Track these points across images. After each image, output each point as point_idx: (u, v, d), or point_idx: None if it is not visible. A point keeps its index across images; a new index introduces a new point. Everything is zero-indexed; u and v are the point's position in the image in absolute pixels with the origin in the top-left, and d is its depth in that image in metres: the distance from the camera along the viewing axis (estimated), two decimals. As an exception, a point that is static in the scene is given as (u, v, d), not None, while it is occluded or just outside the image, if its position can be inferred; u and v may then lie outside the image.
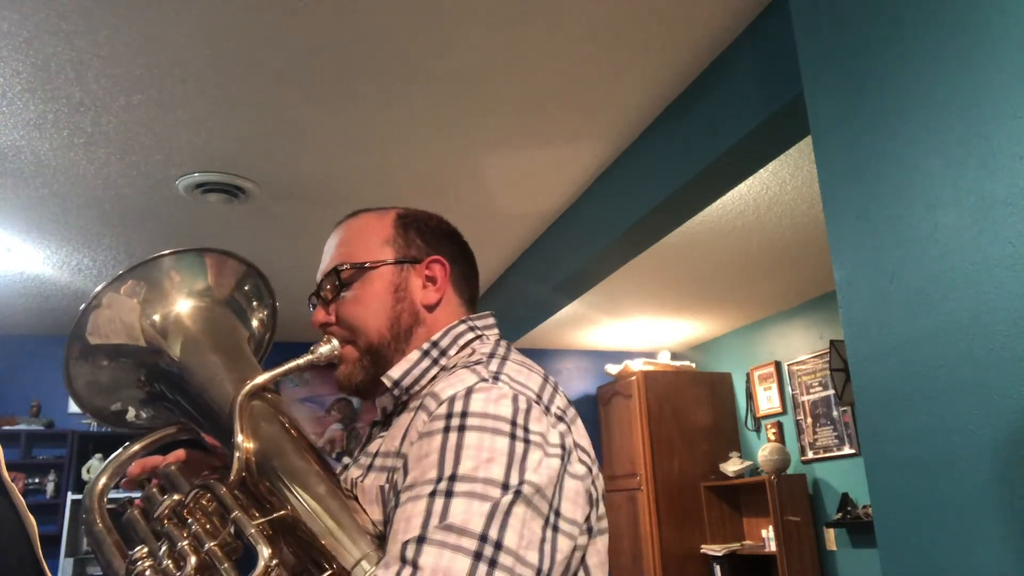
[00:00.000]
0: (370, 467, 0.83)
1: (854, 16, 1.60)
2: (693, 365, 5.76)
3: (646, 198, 2.78)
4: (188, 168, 2.91)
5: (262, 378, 0.84)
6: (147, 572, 0.78)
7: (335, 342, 0.90)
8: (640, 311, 5.08)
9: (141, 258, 0.91)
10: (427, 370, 0.88)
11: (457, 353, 0.89)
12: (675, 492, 5.11)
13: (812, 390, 4.83)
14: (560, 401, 0.82)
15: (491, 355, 0.84)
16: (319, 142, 2.76)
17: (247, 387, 0.82)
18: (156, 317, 0.91)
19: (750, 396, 5.40)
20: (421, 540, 0.67)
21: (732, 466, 5.11)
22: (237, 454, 0.78)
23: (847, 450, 4.54)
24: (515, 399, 0.75)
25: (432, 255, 0.93)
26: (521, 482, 0.70)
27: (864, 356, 1.50)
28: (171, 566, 0.77)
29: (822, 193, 1.64)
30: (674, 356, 5.99)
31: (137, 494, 0.90)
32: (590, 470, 0.80)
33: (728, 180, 2.57)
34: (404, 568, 0.66)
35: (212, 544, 0.75)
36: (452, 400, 0.75)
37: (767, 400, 5.23)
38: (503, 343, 0.90)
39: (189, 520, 0.79)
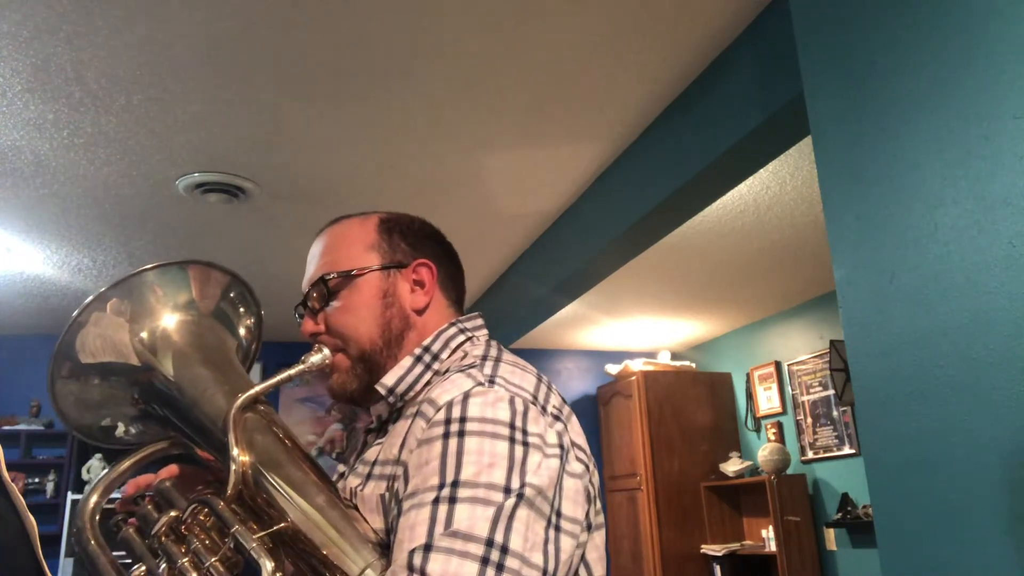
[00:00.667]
0: (369, 475, 0.83)
1: (854, 16, 1.60)
2: (693, 365, 5.76)
3: (646, 198, 2.78)
4: (188, 168, 2.91)
5: (254, 390, 0.83)
6: None
7: (326, 351, 0.90)
8: (640, 311, 5.08)
9: (141, 259, 0.91)
10: (420, 375, 0.88)
11: (449, 356, 0.89)
12: (675, 492, 5.11)
13: (812, 390, 4.83)
14: (555, 399, 0.82)
15: (484, 357, 0.84)
16: (319, 142, 2.76)
17: (239, 400, 0.81)
18: (144, 334, 0.90)
19: (750, 396, 5.40)
20: (428, 548, 0.67)
21: (732, 466, 5.11)
22: (233, 467, 0.78)
23: (847, 450, 4.54)
24: (512, 401, 0.76)
25: (418, 258, 0.93)
26: (523, 485, 0.71)
27: (864, 356, 1.50)
28: None
29: (822, 193, 1.64)
30: (674, 356, 5.99)
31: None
32: (587, 467, 0.80)
33: (728, 180, 2.57)
34: None
35: (213, 560, 0.75)
36: (450, 406, 0.75)
37: (767, 400, 5.23)
38: (494, 344, 0.90)
39: (188, 536, 0.79)
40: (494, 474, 0.70)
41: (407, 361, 0.89)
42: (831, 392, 4.62)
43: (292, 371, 0.87)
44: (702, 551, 5.01)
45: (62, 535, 4.54)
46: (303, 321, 0.93)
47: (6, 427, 4.71)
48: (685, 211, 2.83)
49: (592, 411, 5.83)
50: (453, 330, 0.92)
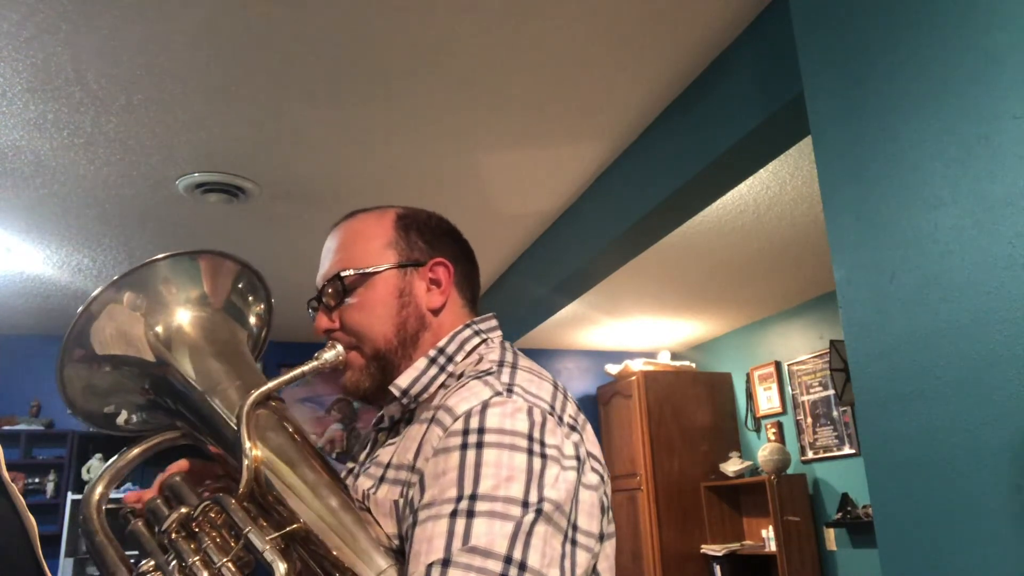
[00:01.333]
0: (382, 479, 0.82)
1: (854, 16, 1.60)
2: (693, 365, 5.76)
3: (646, 198, 2.78)
4: (188, 168, 2.91)
5: (267, 386, 0.82)
6: None
7: (339, 348, 0.89)
8: (640, 311, 5.08)
9: (141, 259, 0.90)
10: (435, 377, 0.86)
11: (464, 359, 0.88)
12: (675, 492, 5.11)
13: (812, 390, 4.83)
14: (571, 409, 0.81)
15: (500, 363, 0.83)
16: (319, 142, 2.76)
17: (253, 396, 0.80)
18: (157, 325, 0.89)
19: (750, 396, 5.40)
20: (446, 563, 0.67)
21: (732, 466, 5.11)
22: (246, 462, 0.77)
23: (847, 450, 4.54)
24: (530, 412, 0.75)
25: (435, 257, 0.92)
26: (541, 499, 0.70)
27: (864, 356, 1.50)
28: None
29: (822, 193, 1.64)
30: (674, 356, 5.99)
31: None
32: (602, 478, 0.80)
33: (728, 180, 2.57)
34: None
35: (225, 560, 0.74)
36: (468, 415, 0.74)
37: (767, 400, 5.23)
38: (509, 348, 0.89)
39: (199, 533, 0.78)
40: (512, 488, 0.70)
41: (421, 363, 0.87)
42: (831, 392, 4.62)
43: (306, 367, 0.86)
44: (702, 551, 5.01)
45: (62, 535, 4.54)
46: (317, 317, 0.92)
47: (6, 427, 4.71)
48: (685, 211, 2.83)
49: (592, 411, 5.83)
50: (468, 332, 0.90)
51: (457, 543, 0.67)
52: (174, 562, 0.77)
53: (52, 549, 4.48)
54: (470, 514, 0.68)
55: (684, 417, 5.33)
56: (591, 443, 0.81)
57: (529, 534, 0.68)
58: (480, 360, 0.86)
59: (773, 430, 5.09)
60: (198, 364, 0.88)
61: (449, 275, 0.92)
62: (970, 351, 1.27)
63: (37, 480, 4.77)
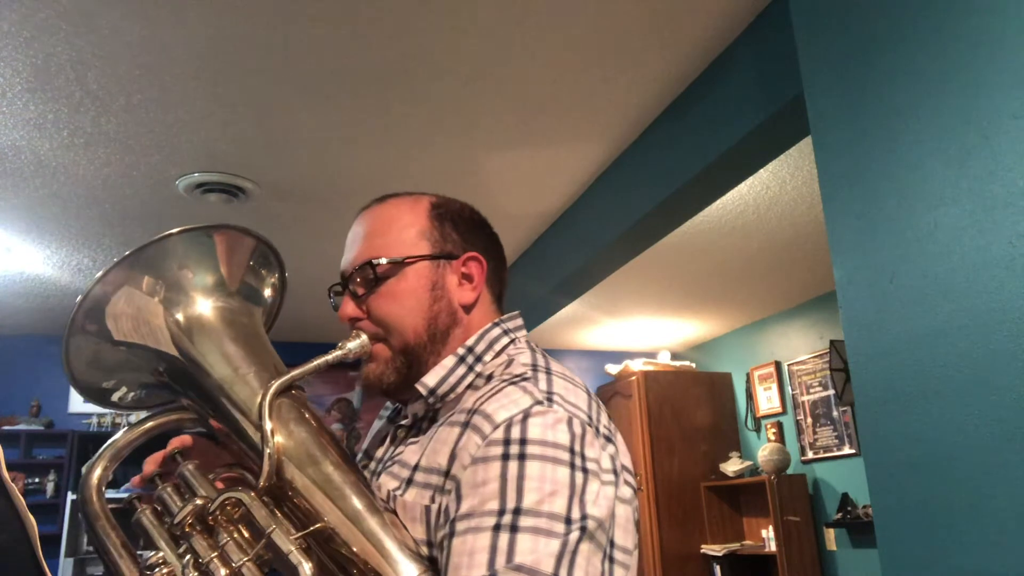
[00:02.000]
0: (410, 481, 0.78)
1: (854, 16, 1.60)
2: (693, 365, 5.76)
3: (646, 198, 2.78)
4: (188, 168, 2.91)
5: (290, 375, 0.78)
6: None
7: (364, 337, 0.85)
8: (640, 311, 5.08)
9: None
10: (463, 377, 0.84)
11: (493, 359, 0.85)
12: (675, 492, 5.11)
13: (812, 390, 4.83)
14: (604, 418, 0.79)
15: (534, 367, 0.80)
16: (319, 142, 2.76)
17: (275, 385, 0.77)
18: (174, 307, 0.84)
19: (750, 396, 5.40)
20: None
21: (732, 466, 5.11)
22: (268, 452, 0.74)
23: (847, 450, 4.54)
24: (571, 423, 0.73)
25: (468, 250, 0.89)
26: (584, 516, 0.69)
27: (864, 356, 1.50)
28: None
29: (822, 193, 1.64)
30: (674, 356, 5.99)
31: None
32: (634, 491, 0.79)
33: (728, 180, 2.57)
34: None
35: (246, 559, 0.71)
36: (509, 425, 0.72)
37: (767, 400, 5.23)
38: (538, 350, 0.87)
39: (215, 528, 0.74)
40: (556, 503, 0.68)
41: (449, 361, 0.84)
42: (831, 392, 4.62)
43: (329, 356, 0.82)
44: (702, 551, 5.01)
45: (62, 535, 4.54)
46: (342, 303, 0.88)
47: (6, 427, 4.71)
48: (685, 211, 2.83)
49: (592, 411, 5.82)
50: (497, 331, 0.87)
51: (501, 559, 0.65)
52: (188, 557, 0.74)
53: (52, 549, 4.48)
54: (514, 529, 0.66)
55: (684, 417, 5.33)
56: (623, 453, 0.79)
57: (574, 553, 0.67)
58: (511, 362, 0.83)
59: (773, 430, 5.09)
60: (218, 349, 0.84)
61: (482, 270, 0.89)
62: (970, 351, 1.27)
63: (37, 480, 4.77)
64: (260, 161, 2.88)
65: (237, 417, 0.80)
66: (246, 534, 0.75)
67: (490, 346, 0.86)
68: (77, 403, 5.01)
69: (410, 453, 0.82)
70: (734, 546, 4.96)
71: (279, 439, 0.75)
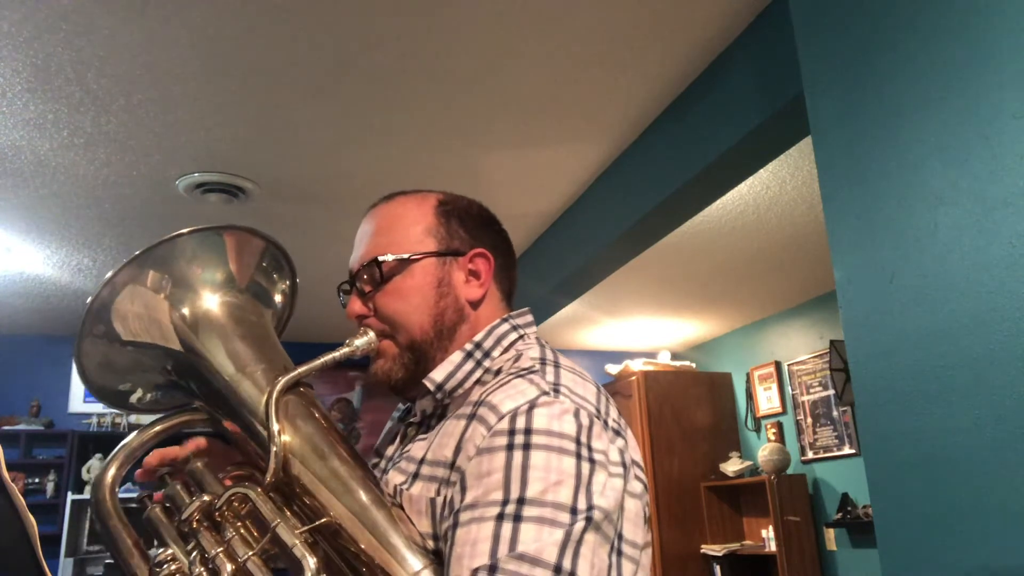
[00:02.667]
0: (416, 475, 0.78)
1: (854, 16, 1.60)
2: (693, 365, 5.76)
3: (646, 198, 2.78)
4: (188, 168, 2.91)
5: (297, 371, 0.79)
6: None
7: (371, 334, 0.86)
8: (640, 311, 5.08)
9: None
10: (471, 373, 0.84)
11: (501, 354, 0.85)
12: (675, 492, 5.11)
13: (812, 390, 4.83)
14: (614, 412, 0.79)
15: (543, 360, 0.80)
16: (319, 142, 2.76)
17: (282, 381, 0.77)
18: (183, 305, 0.85)
19: (750, 396, 5.40)
20: (493, 569, 0.64)
21: (732, 466, 5.10)
22: (274, 448, 0.74)
23: (847, 450, 4.54)
24: (577, 414, 0.72)
25: (476, 247, 0.89)
26: (590, 507, 0.68)
27: (864, 356, 1.50)
28: (203, 574, 0.73)
29: (822, 193, 1.64)
30: (674, 356, 5.99)
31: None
32: (645, 486, 0.78)
33: (728, 180, 2.57)
34: None
35: (251, 554, 0.72)
36: (514, 415, 0.71)
37: (767, 400, 5.23)
38: (547, 345, 0.87)
39: (222, 524, 0.75)
40: (561, 493, 0.67)
41: (457, 356, 0.84)
42: (831, 392, 4.62)
43: (337, 353, 0.82)
44: (702, 551, 5.01)
45: (62, 535, 4.54)
46: (349, 301, 0.89)
47: (6, 427, 4.71)
48: (685, 211, 2.83)
49: (592, 411, 5.82)
50: (505, 327, 0.87)
51: (504, 548, 0.65)
52: (195, 553, 0.74)
53: (52, 549, 4.48)
54: (517, 518, 0.66)
55: (684, 417, 5.32)
56: (634, 448, 0.79)
57: (579, 543, 0.66)
58: (519, 357, 0.83)
59: (773, 430, 5.09)
60: (225, 347, 0.84)
61: (489, 267, 0.89)
62: (970, 351, 1.27)
63: (37, 480, 4.77)
64: (260, 161, 2.88)
65: (245, 414, 0.81)
66: (253, 530, 0.75)
67: (498, 341, 0.86)
68: (77, 403, 5.01)
69: (417, 449, 0.82)
70: (734, 546, 4.96)
71: (285, 436, 0.76)
